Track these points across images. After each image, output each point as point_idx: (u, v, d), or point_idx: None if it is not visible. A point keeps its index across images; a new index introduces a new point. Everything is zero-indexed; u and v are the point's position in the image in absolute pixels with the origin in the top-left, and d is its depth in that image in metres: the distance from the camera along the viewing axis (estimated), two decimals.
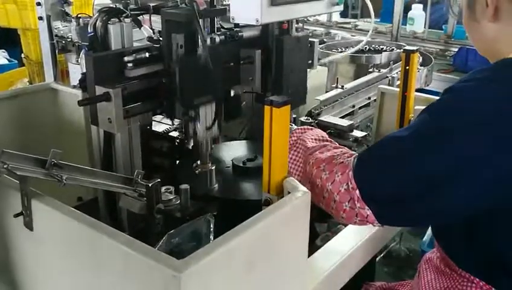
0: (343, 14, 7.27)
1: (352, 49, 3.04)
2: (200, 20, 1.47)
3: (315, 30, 5.04)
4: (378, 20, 5.87)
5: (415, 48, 1.85)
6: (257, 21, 1.40)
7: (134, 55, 1.47)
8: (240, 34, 1.78)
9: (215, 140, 2.21)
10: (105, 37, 1.48)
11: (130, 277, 1.05)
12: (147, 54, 1.50)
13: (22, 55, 4.18)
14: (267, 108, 1.26)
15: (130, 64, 1.47)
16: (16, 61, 5.19)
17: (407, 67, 1.83)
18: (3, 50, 5.70)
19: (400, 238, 3.26)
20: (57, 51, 2.27)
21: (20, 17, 3.92)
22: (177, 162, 1.96)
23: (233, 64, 1.79)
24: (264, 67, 1.80)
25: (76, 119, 2.00)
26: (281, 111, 1.26)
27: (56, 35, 2.17)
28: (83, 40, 1.52)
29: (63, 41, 2.20)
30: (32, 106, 2.00)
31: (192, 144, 1.74)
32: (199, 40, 1.50)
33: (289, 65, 1.87)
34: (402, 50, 1.85)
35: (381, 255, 3.18)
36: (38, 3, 2.12)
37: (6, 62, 5.58)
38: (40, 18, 2.16)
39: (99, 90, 1.45)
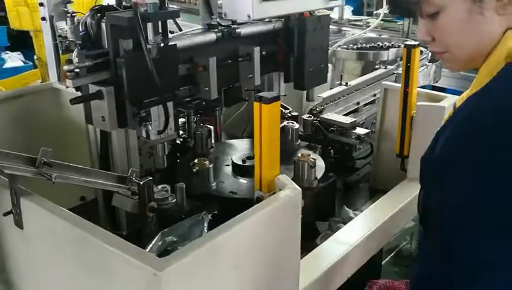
0: (358, 12, 7.19)
1: (342, 41, 2.99)
2: (150, 24, 1.41)
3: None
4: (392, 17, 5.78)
5: (416, 42, 1.81)
6: (249, 17, 1.39)
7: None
8: (237, 31, 1.78)
9: (217, 138, 2.22)
10: (98, 35, 1.48)
11: (114, 275, 1.04)
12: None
13: (34, 57, 4.24)
14: (256, 104, 1.25)
15: None
16: (31, 63, 5.26)
17: (409, 63, 1.79)
18: (19, 52, 5.80)
19: (411, 238, 3.20)
20: (60, 52, 2.27)
21: (31, 19, 3.97)
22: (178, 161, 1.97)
23: (230, 61, 1.79)
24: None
25: (78, 118, 1.99)
26: (270, 107, 1.24)
27: (59, 36, 2.16)
28: (77, 39, 1.51)
29: (67, 42, 2.20)
30: (35, 106, 2.01)
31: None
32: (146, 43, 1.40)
33: (311, 44, 1.89)
34: (403, 45, 1.82)
35: (392, 254, 3.12)
36: (41, 4, 2.12)
37: (22, 64, 5.67)
38: (43, 19, 2.16)
39: (92, 88, 1.45)
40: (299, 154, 1.75)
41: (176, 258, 0.97)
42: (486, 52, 1.06)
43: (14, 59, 5.73)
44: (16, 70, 5.37)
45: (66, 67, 1.39)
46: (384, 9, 1.80)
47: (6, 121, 1.95)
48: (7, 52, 5.78)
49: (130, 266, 0.97)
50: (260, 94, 1.24)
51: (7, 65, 5.58)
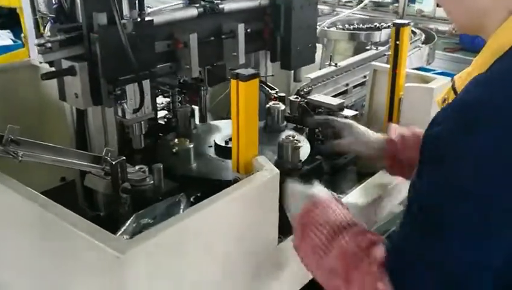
0: None
1: (327, 22, 2.93)
2: None
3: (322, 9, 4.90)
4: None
5: (406, 21, 1.75)
6: None
7: None
8: (220, 6, 1.72)
9: (202, 119, 2.16)
10: (72, 8, 1.41)
11: (78, 257, 1.00)
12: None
13: (22, 35, 4.15)
14: (233, 82, 1.19)
15: None
16: (21, 42, 5.16)
17: (397, 42, 1.73)
18: (8, 31, 5.69)
19: None
20: (42, 28, 2.19)
21: None
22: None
23: (213, 38, 1.73)
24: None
25: (57, 96, 1.94)
26: (247, 85, 1.18)
27: (39, 11, 2.09)
28: (51, 12, 1.45)
29: (48, 17, 2.12)
30: (13, 83, 1.94)
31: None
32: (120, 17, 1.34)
33: (298, 22, 1.84)
34: (392, 24, 1.75)
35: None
36: None
37: (11, 43, 5.57)
38: None
39: (65, 64, 1.39)
40: (283, 136, 1.70)
41: (140, 240, 0.92)
42: (479, 25, 1.02)
43: (3, 38, 5.61)
44: (7, 49, 5.28)
45: (36, 41, 1.33)
46: None
47: None
48: None
49: (92, 248, 0.93)
50: (237, 71, 1.19)
51: None
